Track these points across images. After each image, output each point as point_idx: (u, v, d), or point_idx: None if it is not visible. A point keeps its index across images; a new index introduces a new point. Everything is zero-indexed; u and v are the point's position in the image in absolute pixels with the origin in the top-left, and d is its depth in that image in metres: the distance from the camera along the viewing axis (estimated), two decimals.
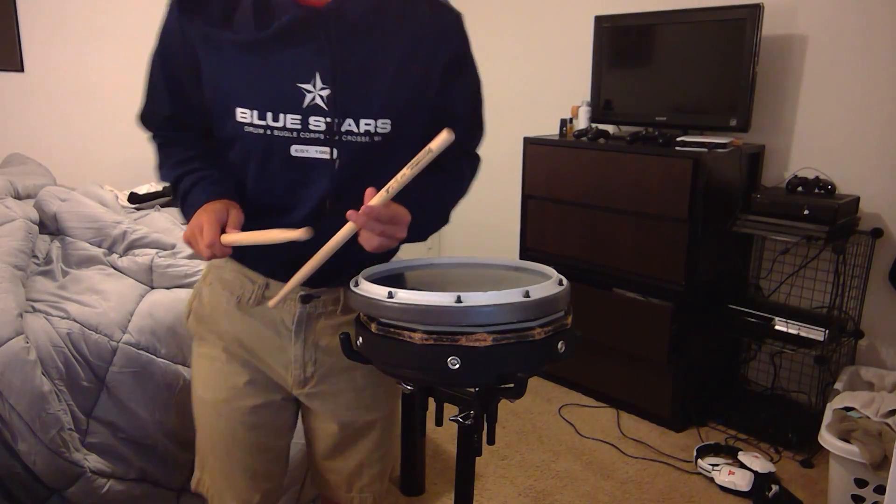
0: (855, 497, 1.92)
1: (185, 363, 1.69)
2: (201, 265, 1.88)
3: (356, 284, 0.99)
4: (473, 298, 0.88)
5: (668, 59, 2.60)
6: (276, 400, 1.15)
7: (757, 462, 2.18)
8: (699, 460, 2.26)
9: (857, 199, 2.35)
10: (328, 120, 0.98)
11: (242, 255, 1.09)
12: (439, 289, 0.91)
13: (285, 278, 1.02)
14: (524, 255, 2.90)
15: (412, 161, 0.86)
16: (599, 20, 2.74)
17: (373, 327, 0.95)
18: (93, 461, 1.57)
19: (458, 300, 0.88)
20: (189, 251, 1.97)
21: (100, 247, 1.98)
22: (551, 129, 3.02)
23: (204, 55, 0.99)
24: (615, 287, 2.62)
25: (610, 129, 2.78)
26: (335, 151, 1.00)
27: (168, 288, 1.84)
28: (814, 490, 2.15)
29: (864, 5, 2.30)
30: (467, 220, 3.80)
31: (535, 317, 0.92)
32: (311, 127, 0.98)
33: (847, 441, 1.89)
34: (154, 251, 1.93)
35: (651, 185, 2.42)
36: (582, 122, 2.84)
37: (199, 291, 1.17)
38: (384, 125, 1.01)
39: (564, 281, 0.99)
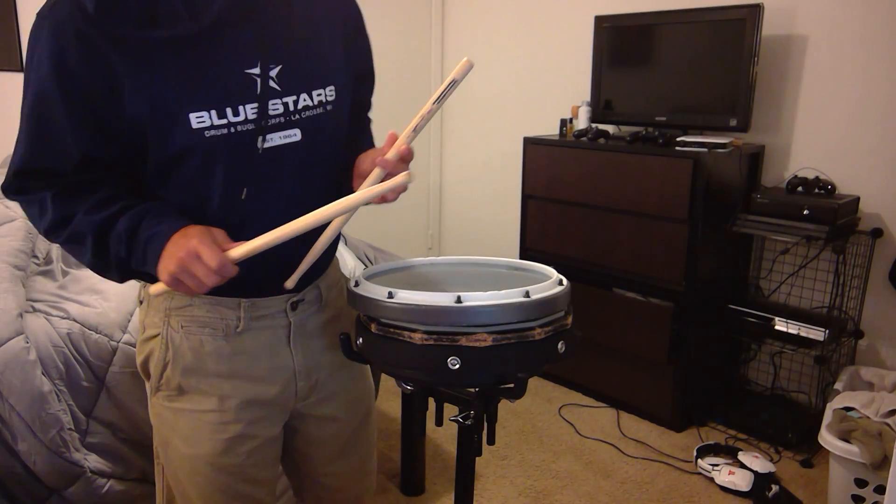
0: (855, 497, 1.92)
1: None
2: None
3: (356, 284, 0.99)
4: (473, 298, 0.88)
5: (668, 59, 2.60)
6: (273, 435, 1.09)
7: (757, 462, 2.18)
8: (699, 460, 2.26)
9: (857, 199, 2.35)
10: (285, 100, 0.93)
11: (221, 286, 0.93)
12: (439, 289, 0.91)
13: (269, 293, 0.99)
14: (524, 255, 2.90)
15: (436, 95, 0.89)
16: (599, 20, 2.74)
17: (373, 327, 0.95)
18: (93, 461, 1.57)
19: (458, 300, 0.88)
20: None
21: None
22: (551, 129, 3.02)
23: (125, 68, 0.84)
24: (615, 287, 2.62)
25: (610, 129, 2.78)
26: (298, 132, 0.95)
27: None
28: (814, 490, 2.15)
29: (864, 5, 2.30)
30: (467, 220, 3.80)
31: (535, 317, 0.92)
32: (270, 112, 0.92)
33: (847, 441, 1.89)
34: None
35: (651, 185, 2.42)
36: (582, 122, 2.84)
37: (170, 341, 1.01)
38: (331, 92, 0.99)
39: (564, 281, 0.99)
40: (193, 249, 0.84)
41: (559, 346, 0.94)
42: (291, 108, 0.94)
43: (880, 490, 1.86)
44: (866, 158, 2.36)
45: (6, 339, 1.47)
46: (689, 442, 2.44)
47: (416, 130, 0.92)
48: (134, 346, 1.63)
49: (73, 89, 0.85)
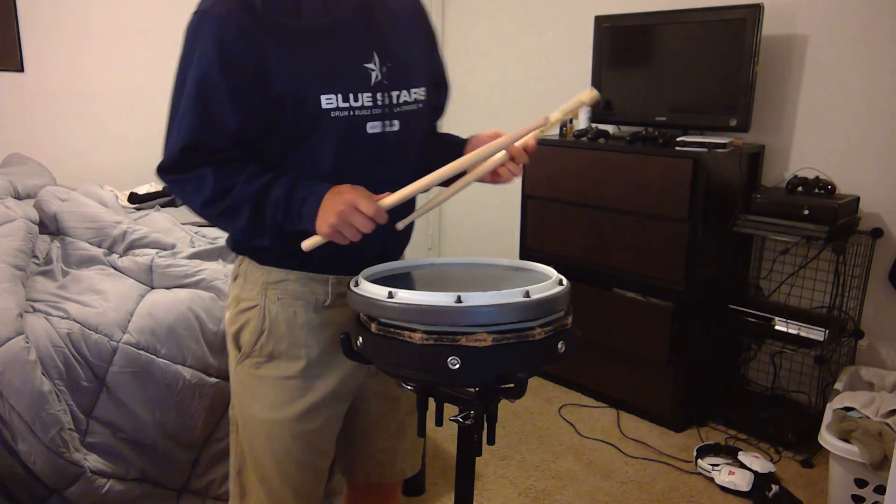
0: (855, 497, 1.92)
1: (184, 363, 1.69)
2: (201, 265, 1.88)
3: (356, 284, 0.99)
4: (473, 298, 0.88)
5: (668, 59, 2.60)
6: (342, 410, 1.18)
7: (757, 462, 2.18)
8: (699, 460, 2.26)
9: (857, 199, 2.35)
10: (391, 94, 1.08)
11: (305, 262, 1.09)
12: (439, 289, 0.91)
13: (353, 272, 1.07)
14: (524, 255, 2.90)
15: (564, 107, 1.05)
16: (599, 20, 2.74)
17: (373, 327, 0.95)
18: (93, 461, 1.57)
19: (458, 300, 0.88)
20: (190, 251, 1.97)
21: (100, 247, 1.98)
22: (551, 129, 3.02)
23: (276, 50, 0.99)
24: (615, 287, 2.62)
25: (610, 129, 2.78)
26: (396, 122, 1.09)
27: (168, 288, 1.83)
28: (814, 490, 2.15)
29: (864, 5, 2.30)
30: (467, 220, 3.80)
31: (535, 317, 0.92)
32: (379, 103, 1.07)
33: (847, 441, 1.89)
34: (154, 251, 1.93)
35: (651, 185, 2.42)
36: (582, 122, 2.84)
37: (265, 310, 1.12)
38: (422, 92, 1.14)
39: (564, 281, 0.99)
40: (352, 202, 0.96)
41: (559, 345, 0.94)
42: (395, 101, 1.09)
43: (880, 490, 1.86)
44: (866, 158, 2.36)
45: (6, 339, 1.47)
46: (689, 442, 2.44)
47: (543, 131, 1.06)
48: (134, 346, 1.64)
49: (234, 73, 0.99)
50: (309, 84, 1.01)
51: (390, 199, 1.00)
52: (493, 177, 1.11)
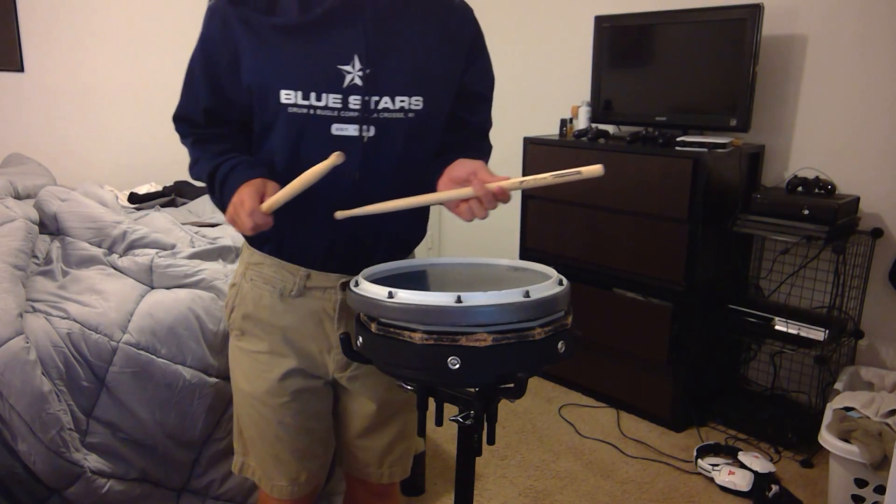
0: (855, 497, 1.92)
1: (184, 363, 1.69)
2: (201, 265, 1.88)
3: (356, 284, 0.99)
4: (473, 298, 0.88)
5: (668, 59, 2.60)
6: (317, 385, 1.21)
7: (757, 462, 2.18)
8: (699, 460, 2.26)
9: (857, 199, 2.35)
10: (367, 98, 1.05)
11: (280, 249, 1.15)
12: (439, 289, 0.91)
13: (324, 267, 1.12)
14: (524, 255, 2.90)
15: (559, 172, 0.94)
16: (599, 20, 2.74)
17: (373, 327, 0.95)
18: (93, 461, 1.57)
19: (459, 300, 0.88)
20: (190, 251, 1.97)
21: (100, 247, 1.97)
22: (551, 129, 3.02)
23: (246, 42, 1.05)
24: (615, 287, 2.62)
25: (610, 129, 2.78)
26: (372, 128, 1.07)
27: (168, 288, 1.83)
28: (814, 490, 2.15)
29: (864, 5, 2.30)
30: None
31: (535, 317, 0.92)
32: (350, 106, 1.05)
33: (847, 441, 1.89)
34: (154, 251, 1.93)
35: (651, 185, 2.42)
36: (582, 122, 2.84)
37: (240, 288, 1.21)
38: (417, 102, 1.09)
39: (564, 281, 0.99)
40: (240, 199, 1.00)
41: (559, 345, 0.94)
42: (372, 106, 1.06)
43: (880, 490, 1.86)
44: (866, 158, 2.36)
45: (6, 339, 1.47)
46: (689, 442, 2.44)
47: (523, 185, 0.99)
48: (134, 346, 1.64)
49: (210, 57, 1.08)
50: (271, 78, 1.04)
51: (271, 201, 0.99)
52: (453, 209, 1.05)
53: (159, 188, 2.84)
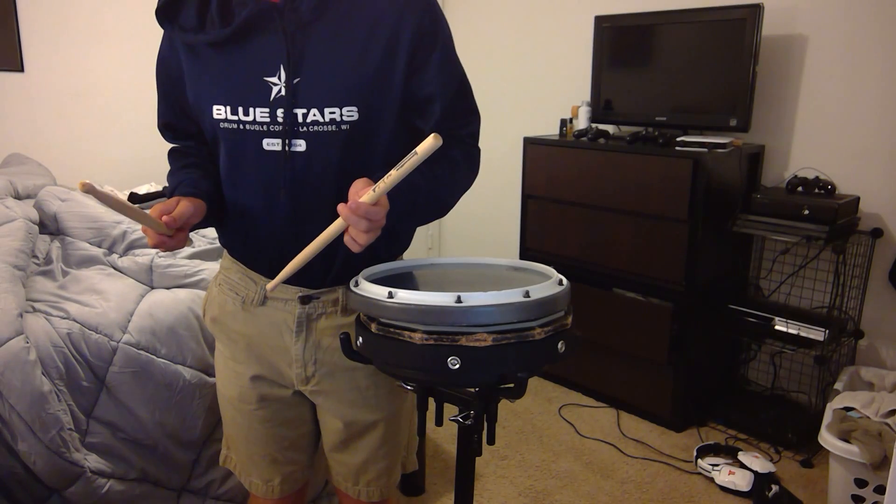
0: (855, 497, 1.92)
1: (184, 363, 1.69)
2: (201, 265, 1.88)
3: (356, 284, 0.99)
4: (473, 298, 0.88)
5: (668, 59, 2.60)
6: (284, 395, 1.19)
7: (757, 462, 2.18)
8: (699, 460, 2.26)
9: (857, 199, 2.35)
10: (294, 111, 0.99)
11: (244, 257, 1.14)
12: (439, 289, 0.91)
13: (289, 280, 1.04)
14: (524, 255, 2.90)
15: (399, 163, 0.84)
16: (599, 20, 2.74)
17: (373, 327, 0.95)
18: (93, 461, 1.57)
19: (459, 300, 0.88)
20: (189, 251, 1.97)
21: (100, 247, 1.97)
22: (551, 129, 3.02)
23: (186, 60, 1.06)
24: (615, 287, 2.62)
25: (610, 129, 2.78)
26: (302, 142, 1.01)
27: (168, 288, 1.83)
28: (814, 490, 2.15)
29: (864, 5, 2.30)
30: (467, 219, 3.80)
31: (535, 317, 0.92)
32: (279, 119, 0.99)
33: (847, 441, 1.89)
34: (154, 251, 1.93)
35: (651, 185, 2.42)
36: (582, 122, 2.83)
37: (210, 292, 1.22)
38: (350, 112, 0.99)
39: (564, 281, 0.99)
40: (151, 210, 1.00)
41: (559, 345, 0.94)
42: (300, 119, 0.99)
43: (880, 490, 1.86)
44: (866, 158, 2.36)
45: (6, 339, 1.47)
46: (689, 442, 2.44)
47: (377, 191, 0.86)
48: (134, 346, 1.64)
49: (162, 74, 1.13)
50: (204, 94, 1.04)
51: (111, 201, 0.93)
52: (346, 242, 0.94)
53: (159, 188, 2.84)
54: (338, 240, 0.95)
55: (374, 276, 1.05)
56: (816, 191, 2.34)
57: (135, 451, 1.64)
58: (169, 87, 1.12)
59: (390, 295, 0.91)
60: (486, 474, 2.22)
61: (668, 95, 2.61)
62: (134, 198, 2.71)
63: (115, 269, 1.91)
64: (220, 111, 1.02)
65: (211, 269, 1.87)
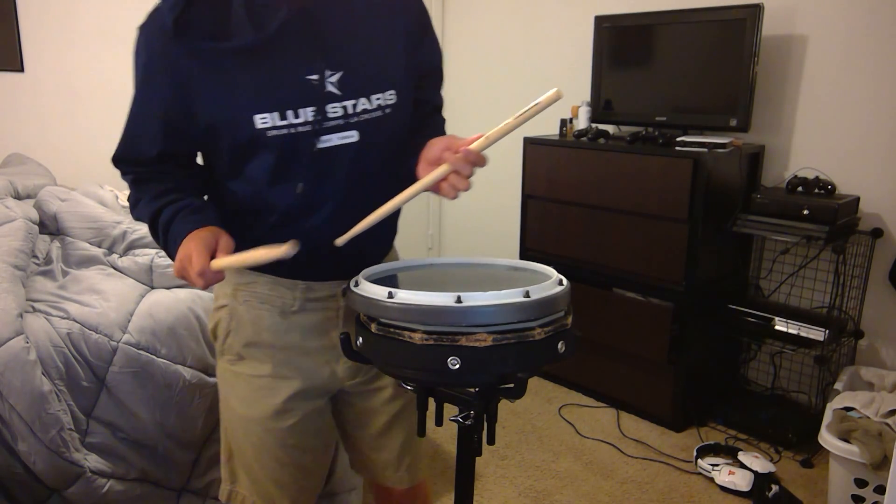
0: (855, 497, 1.92)
1: (184, 363, 1.69)
2: None
3: (356, 284, 0.99)
4: (473, 298, 0.88)
5: (668, 59, 2.60)
6: (320, 405, 1.19)
7: (757, 462, 2.18)
8: (699, 460, 2.26)
9: (857, 199, 2.35)
10: (344, 104, 1.01)
11: (275, 268, 1.05)
12: (439, 289, 0.91)
13: (323, 278, 1.10)
14: (524, 255, 2.90)
15: (518, 112, 0.91)
16: (599, 20, 2.74)
17: (373, 327, 0.95)
18: (93, 461, 1.57)
19: (458, 300, 0.88)
20: None
21: (100, 247, 1.97)
22: (551, 129, 3.02)
23: (200, 77, 0.97)
24: (615, 287, 2.62)
25: (610, 129, 2.78)
26: (358, 132, 1.03)
27: (168, 288, 1.83)
28: (814, 490, 2.15)
29: (863, 5, 2.30)
30: (467, 220, 3.80)
31: (535, 317, 0.92)
32: (329, 115, 1.01)
33: (847, 441, 1.89)
34: (154, 251, 1.93)
35: (651, 185, 2.42)
36: (582, 122, 2.83)
37: (234, 312, 1.14)
38: (391, 96, 1.06)
39: (564, 281, 0.99)
40: (188, 254, 0.93)
41: (559, 346, 0.94)
42: (350, 111, 1.02)
43: (880, 490, 1.86)
44: (866, 158, 2.36)
45: (6, 339, 1.47)
46: (689, 442, 2.44)
47: (489, 139, 0.95)
48: (134, 346, 1.64)
49: (154, 95, 1.00)
50: (241, 106, 0.98)
51: (222, 262, 0.93)
52: (437, 191, 1.02)
53: None
54: (383, 225, 1.02)
55: (374, 276, 1.05)
56: (816, 191, 2.34)
57: (135, 451, 1.64)
58: (169, 110, 1.00)
59: (390, 295, 0.91)
60: (486, 474, 2.22)
61: (667, 95, 2.61)
62: None
63: (115, 269, 1.91)
64: (265, 119, 0.97)
65: None
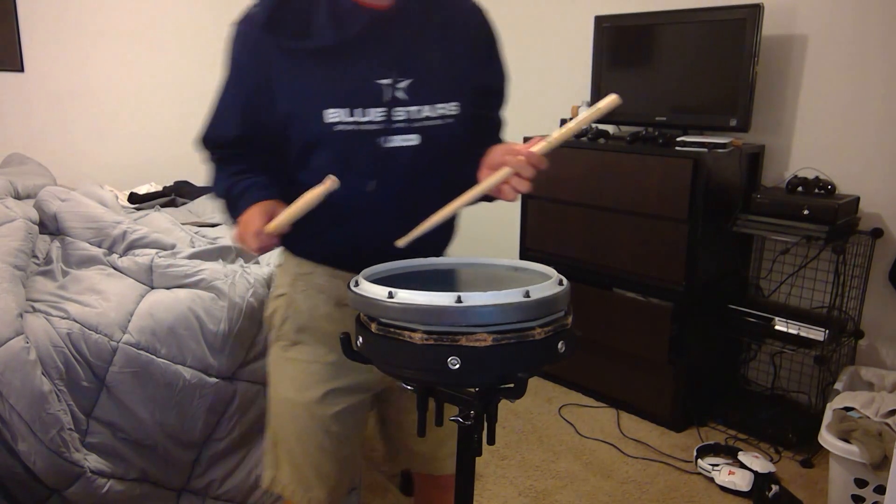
0: (855, 497, 1.92)
1: (184, 363, 1.69)
2: (201, 265, 1.88)
3: (356, 284, 0.99)
4: (473, 298, 0.88)
5: (668, 59, 2.60)
6: (364, 397, 1.24)
7: (757, 462, 2.18)
8: (699, 460, 2.26)
9: (857, 199, 2.35)
10: (409, 109, 1.10)
11: (330, 258, 1.18)
12: (439, 289, 0.91)
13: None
14: (524, 255, 2.90)
15: (577, 118, 0.99)
16: (599, 20, 2.74)
17: (373, 327, 0.95)
18: (93, 461, 1.57)
19: (459, 300, 0.88)
20: (189, 251, 1.97)
21: (100, 247, 1.97)
22: (551, 129, 3.02)
23: (284, 69, 1.07)
24: (615, 287, 2.62)
25: (610, 129, 2.78)
26: (419, 136, 1.11)
27: (168, 288, 1.83)
28: (814, 490, 2.15)
29: (863, 5, 2.30)
30: (467, 220, 3.79)
31: (535, 317, 0.92)
32: (394, 118, 1.09)
33: (847, 441, 1.89)
34: (154, 251, 1.93)
35: (651, 185, 2.42)
36: None
37: (292, 300, 1.21)
38: (454, 107, 1.14)
39: (564, 281, 0.99)
40: (248, 218, 1.05)
41: (559, 345, 0.94)
42: (414, 116, 1.10)
43: (880, 490, 1.86)
44: (866, 158, 2.36)
45: (6, 339, 1.47)
46: (689, 442, 2.44)
47: (551, 143, 1.01)
48: (134, 346, 1.64)
49: (242, 84, 1.11)
50: (313, 100, 1.07)
51: (275, 223, 1.03)
52: (496, 193, 1.10)
53: (159, 188, 2.84)
54: (442, 228, 1.08)
55: (374, 276, 1.05)
56: (816, 191, 2.34)
57: (135, 451, 1.64)
58: (253, 99, 1.11)
59: (390, 295, 0.91)
60: (486, 474, 2.22)
61: (667, 95, 2.61)
62: (134, 198, 2.72)
63: (115, 269, 1.91)
64: (335, 114, 1.06)
65: (211, 268, 1.87)
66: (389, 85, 1.08)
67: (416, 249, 1.12)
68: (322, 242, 1.18)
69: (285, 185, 1.15)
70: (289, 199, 1.10)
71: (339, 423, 1.21)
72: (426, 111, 1.11)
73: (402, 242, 1.08)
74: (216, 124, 1.16)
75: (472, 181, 1.10)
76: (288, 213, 1.02)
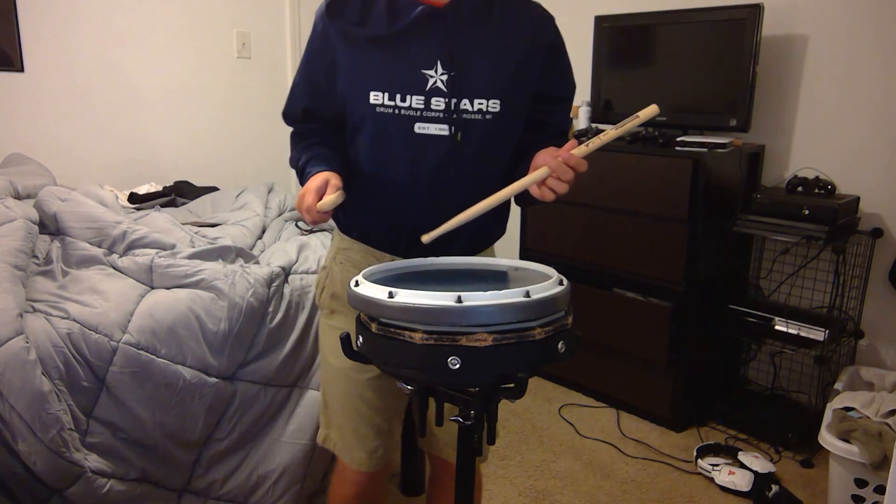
0: (855, 497, 1.92)
1: (184, 363, 1.69)
2: (201, 265, 1.88)
3: (356, 284, 0.99)
4: (474, 298, 0.88)
5: (668, 59, 2.60)
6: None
7: (757, 462, 2.18)
8: (699, 460, 2.26)
9: (857, 199, 2.35)
10: (447, 100, 1.15)
11: (373, 235, 1.27)
12: (440, 289, 0.91)
13: (407, 255, 1.22)
14: (524, 255, 2.90)
15: (619, 124, 1.04)
16: (599, 20, 2.74)
17: (373, 327, 0.95)
18: (93, 461, 1.57)
19: (459, 300, 0.88)
20: (190, 251, 1.97)
21: (100, 247, 1.97)
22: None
23: (343, 52, 1.18)
24: (615, 287, 2.62)
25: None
26: (453, 128, 1.16)
27: (168, 288, 1.83)
28: (814, 490, 2.15)
29: (864, 5, 2.30)
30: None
31: (535, 317, 0.92)
32: (432, 107, 1.15)
33: (847, 441, 1.89)
34: (154, 251, 1.93)
35: (651, 185, 2.42)
36: (582, 122, 2.84)
37: (330, 270, 1.33)
38: (494, 105, 1.17)
39: (565, 281, 0.99)
40: (304, 191, 1.11)
41: (559, 345, 0.94)
42: (452, 108, 1.15)
43: (880, 490, 1.86)
44: (866, 158, 2.36)
45: (6, 339, 1.47)
46: (689, 442, 2.44)
47: (590, 147, 1.06)
48: (134, 346, 1.64)
49: (312, 63, 1.24)
50: (363, 81, 1.16)
51: (322, 203, 1.08)
52: (536, 195, 1.14)
53: (159, 188, 2.84)
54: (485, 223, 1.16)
55: (374, 275, 1.05)
56: (816, 191, 2.34)
57: (135, 451, 1.64)
58: (316, 76, 1.23)
59: (390, 295, 0.91)
60: (486, 474, 2.22)
61: (667, 95, 2.61)
62: (134, 198, 2.71)
63: (115, 269, 1.90)
64: (377, 96, 1.15)
65: (211, 268, 1.87)
66: (433, 75, 1.14)
67: (466, 241, 1.23)
68: (361, 221, 1.27)
69: (346, 160, 1.24)
70: (347, 175, 1.19)
71: (372, 388, 1.28)
72: (464, 104, 1.15)
73: (427, 238, 1.11)
74: (291, 99, 1.28)
75: (512, 181, 1.14)
76: (325, 202, 1.08)
